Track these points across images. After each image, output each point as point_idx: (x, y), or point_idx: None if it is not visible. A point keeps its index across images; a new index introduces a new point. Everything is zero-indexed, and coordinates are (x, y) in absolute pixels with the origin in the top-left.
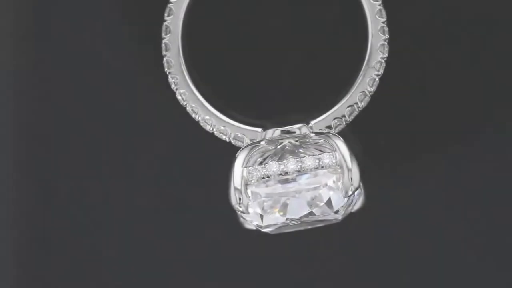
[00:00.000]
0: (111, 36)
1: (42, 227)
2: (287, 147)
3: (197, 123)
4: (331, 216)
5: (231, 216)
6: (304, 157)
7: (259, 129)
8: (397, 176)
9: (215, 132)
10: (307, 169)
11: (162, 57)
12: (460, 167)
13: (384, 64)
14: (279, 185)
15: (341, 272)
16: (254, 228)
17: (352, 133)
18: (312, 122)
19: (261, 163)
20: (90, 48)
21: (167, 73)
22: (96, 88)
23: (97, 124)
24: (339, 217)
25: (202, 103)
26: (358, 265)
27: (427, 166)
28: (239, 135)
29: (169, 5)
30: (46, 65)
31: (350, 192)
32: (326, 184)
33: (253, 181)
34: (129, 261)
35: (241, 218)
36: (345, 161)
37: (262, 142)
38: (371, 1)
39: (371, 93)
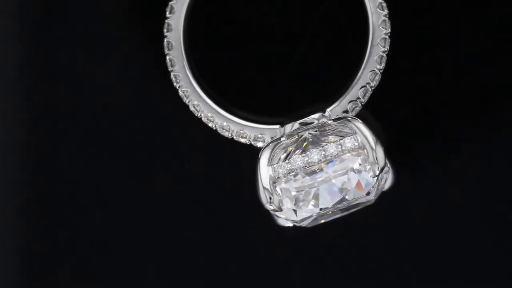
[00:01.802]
0: (117, 52)
1: (47, 228)
2: (308, 139)
3: (215, 131)
4: (364, 199)
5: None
6: (326, 145)
7: (277, 126)
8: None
9: (235, 137)
10: (331, 156)
11: (169, 72)
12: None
13: (388, 40)
14: (307, 177)
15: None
16: (291, 224)
17: (370, 114)
18: (328, 109)
19: (285, 159)
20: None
21: (177, 87)
22: (110, 106)
23: (117, 137)
24: (372, 198)
25: (216, 111)
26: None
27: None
28: (259, 135)
29: (167, 21)
30: (52, 75)
31: (377, 172)
32: (352, 168)
33: (280, 178)
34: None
35: (275, 217)
36: (367, 141)
37: (282, 138)
38: None
39: (381, 71)
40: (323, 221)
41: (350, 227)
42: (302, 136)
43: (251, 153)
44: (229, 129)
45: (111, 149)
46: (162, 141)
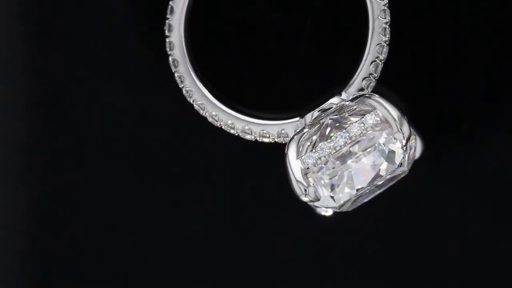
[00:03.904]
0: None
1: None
2: (330, 124)
3: (237, 136)
4: (398, 171)
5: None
6: (349, 127)
7: (297, 119)
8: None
9: (258, 138)
10: (356, 136)
11: (180, 88)
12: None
13: (388, 11)
14: (337, 162)
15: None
16: (331, 212)
17: (386, 88)
18: (344, 91)
19: (312, 149)
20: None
21: (191, 101)
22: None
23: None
24: (406, 168)
25: (235, 116)
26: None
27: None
28: (282, 131)
29: (168, 37)
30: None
31: (404, 141)
32: (379, 143)
33: (310, 168)
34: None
35: (314, 207)
36: (389, 114)
37: (305, 129)
38: None
39: (387, 43)
40: (362, 201)
41: (349, 226)
42: (323, 122)
43: (277, 151)
44: (251, 131)
45: (111, 151)
46: (182, 154)
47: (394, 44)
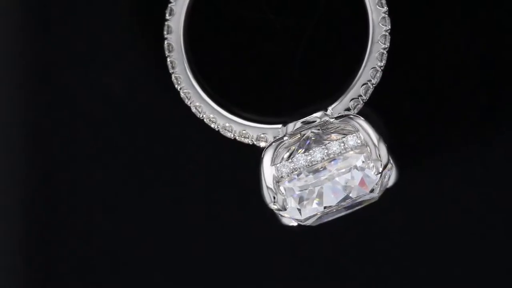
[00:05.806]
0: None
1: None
2: (310, 137)
3: (217, 132)
4: (368, 196)
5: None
6: (328, 143)
7: (280, 126)
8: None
9: (237, 137)
10: (334, 154)
11: (170, 74)
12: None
13: (389, 37)
14: (311, 176)
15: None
16: (295, 224)
17: (372, 111)
18: (330, 108)
19: (288, 158)
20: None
21: (179, 89)
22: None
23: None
24: (376, 195)
25: (218, 112)
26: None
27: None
28: (262, 135)
29: (167, 23)
30: (52, 67)
31: (380, 169)
32: (356, 166)
33: (283, 177)
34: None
35: (279, 216)
36: (370, 139)
37: (285, 138)
38: None
39: (382, 68)
40: (328, 219)
41: (349, 227)
42: (304, 135)
43: (254, 153)
44: (232, 129)
45: (111, 151)
46: (164, 143)
47: (389, 66)
